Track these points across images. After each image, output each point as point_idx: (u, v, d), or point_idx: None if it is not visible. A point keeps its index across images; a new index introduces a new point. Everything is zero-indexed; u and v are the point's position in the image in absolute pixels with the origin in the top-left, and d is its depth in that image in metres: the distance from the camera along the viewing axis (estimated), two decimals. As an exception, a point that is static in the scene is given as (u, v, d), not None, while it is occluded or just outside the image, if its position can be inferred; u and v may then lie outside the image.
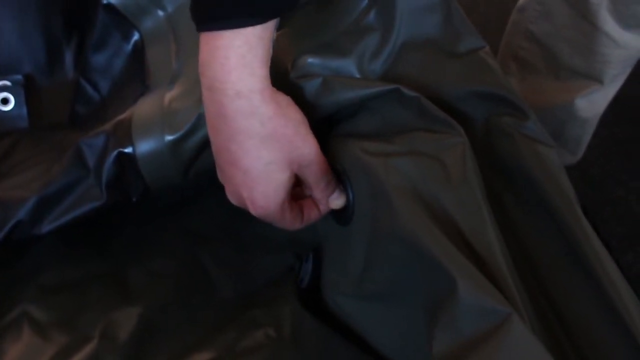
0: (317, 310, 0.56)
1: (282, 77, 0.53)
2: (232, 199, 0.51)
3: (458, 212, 0.45)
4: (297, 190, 0.53)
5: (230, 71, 0.43)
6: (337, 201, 0.53)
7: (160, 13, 0.67)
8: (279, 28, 0.57)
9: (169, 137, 0.56)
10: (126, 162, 0.57)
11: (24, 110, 0.72)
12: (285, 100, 0.47)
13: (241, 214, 0.65)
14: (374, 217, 0.50)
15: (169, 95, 0.58)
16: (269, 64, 0.45)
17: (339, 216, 0.54)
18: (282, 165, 0.47)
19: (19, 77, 0.72)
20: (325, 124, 0.56)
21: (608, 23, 0.91)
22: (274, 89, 0.46)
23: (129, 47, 0.68)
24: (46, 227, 0.57)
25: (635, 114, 1.39)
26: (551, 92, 1.03)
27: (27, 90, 0.72)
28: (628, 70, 1.00)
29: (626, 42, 0.92)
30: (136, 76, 0.66)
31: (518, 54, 1.05)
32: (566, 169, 0.49)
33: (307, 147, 0.48)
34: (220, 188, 0.52)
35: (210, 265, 0.61)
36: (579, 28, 0.93)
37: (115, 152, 0.56)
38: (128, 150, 0.56)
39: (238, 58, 0.42)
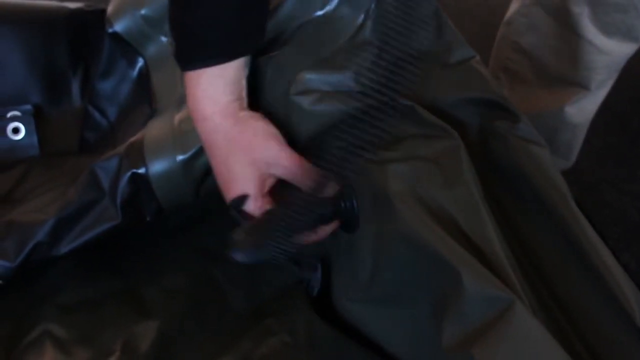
0: (329, 317, 0.58)
1: (282, 93, 0.56)
2: (226, 201, 0.56)
3: (457, 211, 0.47)
4: None
5: (198, 101, 0.53)
6: None
7: (163, 39, 0.69)
8: (280, 47, 0.59)
9: (180, 157, 0.58)
10: (140, 183, 0.59)
11: (35, 139, 0.74)
12: (247, 114, 0.54)
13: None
14: (378, 222, 0.52)
15: (178, 117, 0.60)
16: (234, 91, 0.53)
17: (346, 225, 0.56)
18: (245, 163, 0.53)
19: (29, 107, 0.74)
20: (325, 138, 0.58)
21: (590, 31, 0.94)
22: (239, 108, 0.53)
23: (135, 73, 0.70)
24: (64, 248, 0.59)
25: (625, 121, 1.42)
26: (541, 100, 1.06)
27: (37, 120, 0.74)
28: (614, 76, 1.03)
29: (609, 49, 0.96)
30: (143, 101, 0.68)
31: (507, 66, 1.08)
32: (561, 174, 0.51)
33: (268, 147, 0.53)
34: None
35: (222, 280, 0.63)
36: (563, 38, 0.96)
37: (128, 173, 0.58)
38: (141, 170, 0.58)
39: (202, 91, 0.52)
